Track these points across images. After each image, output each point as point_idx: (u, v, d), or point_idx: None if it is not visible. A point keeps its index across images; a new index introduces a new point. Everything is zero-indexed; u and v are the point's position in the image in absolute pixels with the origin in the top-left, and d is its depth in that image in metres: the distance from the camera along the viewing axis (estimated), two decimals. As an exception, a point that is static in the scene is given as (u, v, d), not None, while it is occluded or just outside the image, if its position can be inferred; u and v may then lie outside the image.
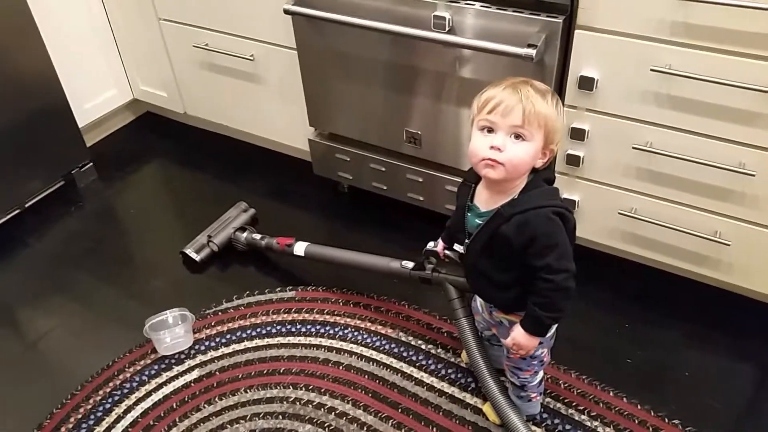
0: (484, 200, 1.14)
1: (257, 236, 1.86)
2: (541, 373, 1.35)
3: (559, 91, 1.50)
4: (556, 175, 1.61)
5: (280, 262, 1.88)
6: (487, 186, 1.14)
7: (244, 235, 1.88)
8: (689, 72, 1.31)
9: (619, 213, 1.57)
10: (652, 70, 1.34)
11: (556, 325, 1.24)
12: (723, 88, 1.29)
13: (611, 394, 1.46)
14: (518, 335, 1.16)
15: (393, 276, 1.59)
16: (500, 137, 1.06)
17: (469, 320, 1.41)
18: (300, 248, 1.73)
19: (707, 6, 1.24)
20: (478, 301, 1.35)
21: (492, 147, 1.06)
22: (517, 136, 1.06)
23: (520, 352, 1.20)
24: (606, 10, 1.35)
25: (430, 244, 1.40)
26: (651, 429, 1.39)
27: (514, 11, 1.42)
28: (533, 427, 1.41)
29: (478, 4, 1.45)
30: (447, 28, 1.49)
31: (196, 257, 1.86)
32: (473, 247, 1.16)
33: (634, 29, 1.34)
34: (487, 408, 1.44)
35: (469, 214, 1.16)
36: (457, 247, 1.23)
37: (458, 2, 1.47)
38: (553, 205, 1.08)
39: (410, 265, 1.53)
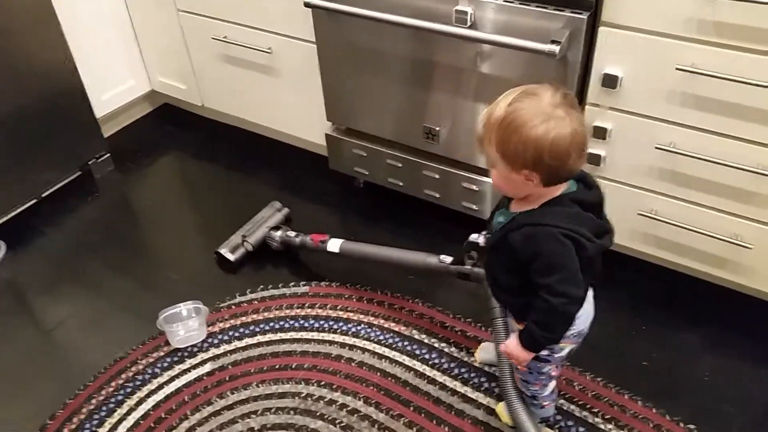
0: (514, 203, 1.10)
1: (292, 234, 1.84)
2: (551, 385, 1.31)
3: (582, 88, 1.47)
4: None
5: (294, 257, 1.87)
6: None
7: (279, 233, 1.86)
8: (715, 71, 1.28)
9: (639, 214, 1.55)
10: (677, 69, 1.32)
11: (570, 347, 1.19)
12: (749, 89, 1.26)
13: (626, 396, 1.44)
14: (511, 344, 1.13)
15: (431, 272, 1.53)
16: (486, 160, 1.04)
17: (504, 322, 1.36)
18: (335, 245, 1.70)
19: (736, 3, 1.21)
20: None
21: None
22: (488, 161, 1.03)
23: (511, 360, 1.16)
24: (631, 6, 1.32)
25: (473, 236, 1.34)
26: (667, 434, 1.37)
27: (537, 7, 1.40)
28: (546, 429, 1.39)
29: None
30: (469, 23, 1.47)
31: (231, 257, 1.85)
32: (490, 243, 1.14)
33: (660, 27, 1.31)
34: (499, 408, 1.42)
35: (498, 212, 1.14)
36: (480, 237, 1.21)
37: (480, -3, 1.45)
38: (569, 229, 1.00)
39: (449, 260, 1.48)
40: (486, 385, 1.49)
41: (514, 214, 1.07)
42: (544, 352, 1.18)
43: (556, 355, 1.19)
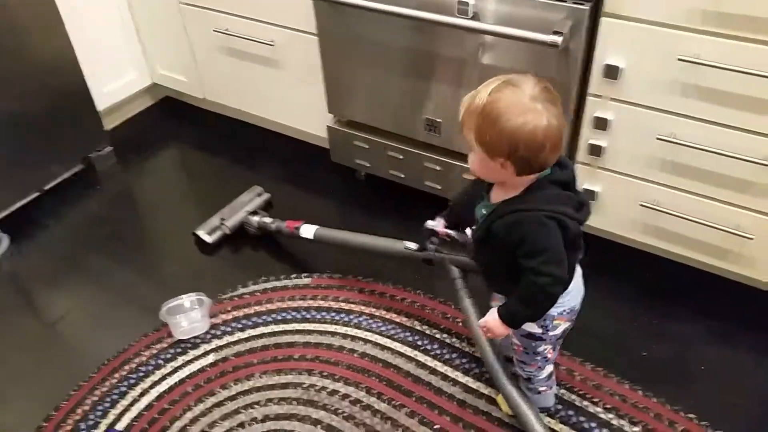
0: (495, 193, 1.12)
1: (268, 220, 1.86)
2: (548, 368, 1.32)
3: (584, 79, 1.47)
4: (577, 165, 1.60)
5: (296, 248, 1.88)
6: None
7: (256, 218, 1.89)
8: (718, 62, 1.28)
9: (641, 204, 1.55)
10: (679, 59, 1.32)
11: (564, 326, 1.21)
12: (752, 79, 1.26)
13: (627, 387, 1.45)
14: (490, 318, 1.15)
15: (397, 257, 1.57)
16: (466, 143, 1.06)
17: (472, 303, 1.40)
18: (308, 231, 1.73)
19: (739, -7, 1.21)
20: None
21: None
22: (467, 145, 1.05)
23: (487, 334, 1.17)
24: (633, -3, 1.32)
25: (429, 223, 1.36)
26: (666, 422, 1.38)
27: (538, -3, 1.40)
28: (547, 419, 1.40)
29: (501, -10, 1.43)
30: (471, 14, 1.47)
31: (209, 239, 1.88)
32: (476, 236, 1.16)
33: (662, 17, 1.31)
34: (500, 399, 1.43)
35: (479, 204, 1.15)
36: (468, 231, 1.22)
37: (481, -12, 1.45)
38: (552, 210, 1.03)
39: (413, 246, 1.51)
40: (487, 375, 1.49)
41: (496, 205, 1.09)
42: (538, 330, 1.20)
43: (550, 333, 1.20)
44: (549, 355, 1.28)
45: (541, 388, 1.35)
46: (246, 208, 1.93)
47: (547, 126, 0.98)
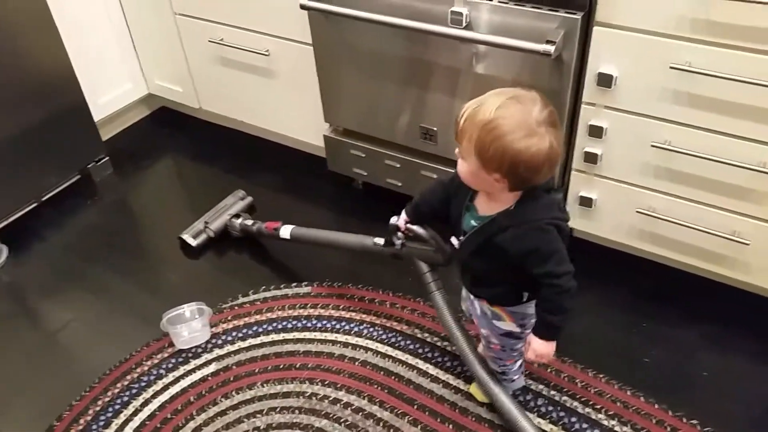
0: (482, 204, 1.14)
1: (249, 222, 1.91)
2: (520, 360, 1.39)
3: (577, 87, 1.49)
4: (573, 172, 1.61)
5: (296, 257, 1.89)
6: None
7: (239, 221, 1.93)
8: (709, 70, 1.30)
9: (637, 211, 1.56)
10: (671, 67, 1.33)
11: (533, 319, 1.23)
12: (744, 86, 1.28)
13: (628, 393, 1.46)
14: (537, 345, 1.17)
15: (367, 253, 1.60)
16: (458, 149, 1.08)
17: (442, 293, 1.45)
18: (286, 231, 1.77)
19: (729, 3, 1.23)
20: (463, 291, 1.37)
21: None
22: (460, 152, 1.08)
23: (542, 360, 1.19)
24: (625, 6, 1.34)
25: (393, 219, 1.39)
26: (669, 428, 1.39)
27: (532, 7, 1.41)
28: (550, 426, 1.41)
29: (495, 0, 1.45)
30: (464, 24, 1.49)
31: (193, 242, 1.91)
32: (466, 246, 1.17)
33: (654, 26, 1.33)
34: (473, 388, 1.47)
35: (467, 214, 1.16)
36: (453, 240, 1.23)
37: (476, -2, 1.47)
38: (549, 217, 1.08)
39: (381, 241, 1.54)
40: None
41: (491, 216, 1.11)
42: (518, 329, 1.25)
43: (527, 331, 1.24)
44: (523, 350, 1.32)
45: (515, 377, 1.42)
46: (229, 211, 1.98)
47: (548, 150, 1.00)
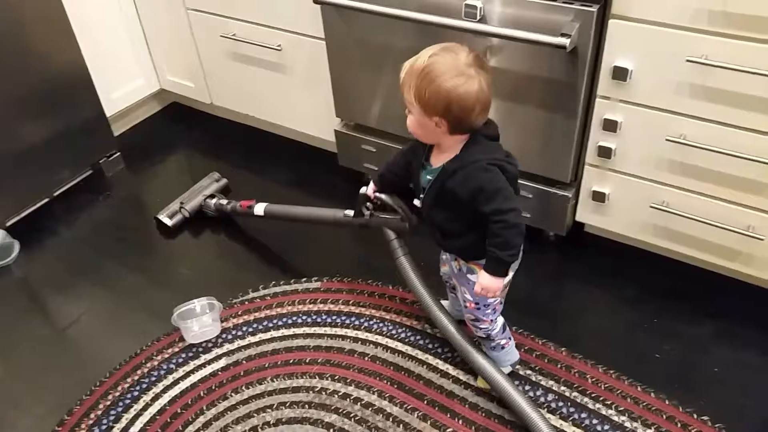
0: (435, 157, 1.22)
1: (224, 202, 1.97)
2: (500, 320, 1.41)
3: (592, 81, 1.48)
4: (587, 166, 1.60)
5: (305, 252, 1.88)
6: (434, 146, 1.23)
7: (213, 201, 1.99)
8: (726, 62, 1.28)
9: (651, 206, 1.55)
10: (687, 60, 1.32)
11: (511, 274, 1.29)
12: (760, 79, 1.26)
13: (639, 389, 1.45)
14: (483, 278, 1.23)
15: (338, 225, 1.66)
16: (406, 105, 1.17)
17: (408, 258, 1.52)
18: (260, 208, 1.82)
19: (746, -6, 1.21)
20: (443, 253, 1.42)
21: None
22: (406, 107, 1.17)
23: (488, 295, 1.25)
24: (641, -1, 1.32)
25: (363, 189, 1.46)
26: (679, 424, 1.37)
27: (547, 0, 1.40)
28: (560, 421, 1.40)
29: (509, -7, 1.44)
30: (478, 17, 1.48)
31: (169, 222, 1.98)
32: (426, 201, 1.25)
33: (670, 18, 1.31)
34: (480, 381, 1.47)
35: (422, 172, 1.24)
36: (416, 201, 1.31)
37: (489, -9, 1.46)
38: (492, 158, 1.16)
39: (351, 213, 1.60)
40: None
41: (442, 166, 1.19)
42: (505, 279, 1.26)
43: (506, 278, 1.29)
44: (497, 307, 1.37)
45: (502, 342, 1.42)
46: (204, 192, 2.04)
47: (478, 89, 1.10)
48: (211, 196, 2.01)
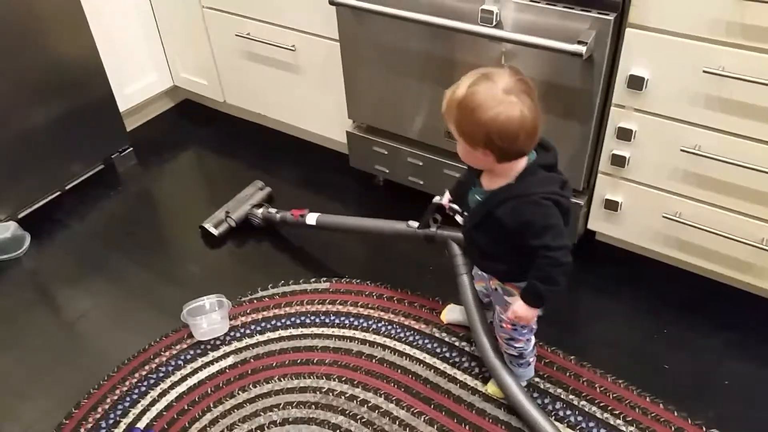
0: (486, 180, 1.19)
1: (273, 210, 1.93)
2: (533, 339, 1.39)
3: (607, 89, 1.47)
4: (600, 175, 1.60)
5: (315, 252, 1.89)
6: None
7: (261, 210, 1.95)
8: (743, 74, 1.28)
9: (664, 216, 1.54)
10: (704, 71, 1.31)
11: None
12: (778, 92, 1.26)
13: (648, 399, 1.44)
14: (518, 307, 1.21)
15: (400, 238, 1.64)
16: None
17: (470, 277, 1.49)
18: (312, 218, 1.79)
19: (764, 5, 1.20)
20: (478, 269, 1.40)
21: None
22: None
23: (520, 322, 1.25)
24: (659, 8, 1.32)
25: (436, 198, 1.43)
26: (688, 437, 1.37)
27: (564, 7, 1.40)
28: (568, 430, 1.40)
29: (527, -1, 1.44)
30: (494, 22, 1.48)
31: (215, 231, 1.94)
32: (470, 221, 1.23)
33: (688, 29, 1.31)
34: (491, 387, 1.47)
35: (472, 190, 1.21)
36: (458, 218, 1.29)
37: (507, -3, 1.45)
38: (547, 191, 1.12)
39: (415, 224, 1.57)
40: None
41: (492, 191, 1.15)
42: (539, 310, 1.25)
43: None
44: (534, 326, 1.35)
45: (530, 359, 1.42)
46: (250, 201, 2.00)
47: (520, 117, 1.04)
48: (258, 206, 1.97)
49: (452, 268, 1.52)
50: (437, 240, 1.53)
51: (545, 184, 1.12)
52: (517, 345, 1.37)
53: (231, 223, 1.95)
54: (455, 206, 1.38)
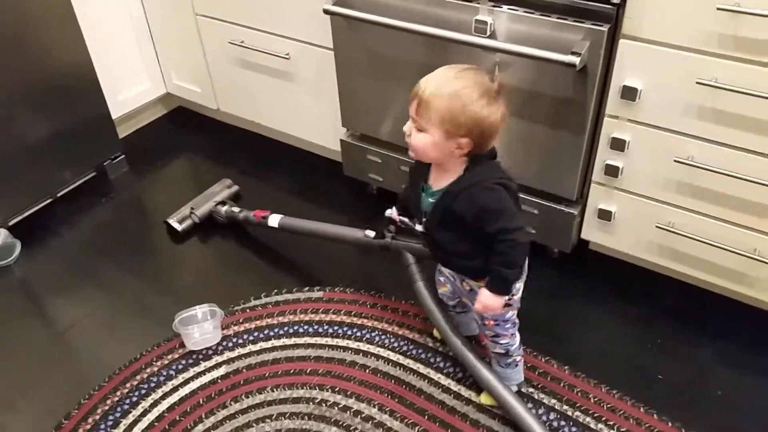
0: (435, 179, 1.21)
1: (236, 209, 1.95)
2: (518, 335, 1.40)
3: (601, 100, 1.48)
4: (593, 185, 1.60)
5: (308, 261, 1.88)
6: (433, 166, 1.22)
7: (225, 208, 1.98)
8: (736, 86, 1.28)
9: (657, 226, 1.55)
10: (697, 82, 1.32)
11: (521, 285, 1.30)
12: (771, 104, 1.27)
13: (642, 410, 1.44)
14: (485, 297, 1.23)
15: (357, 245, 1.66)
16: (408, 123, 1.17)
17: (427, 284, 1.53)
18: (274, 220, 1.80)
19: (757, 18, 1.21)
20: (446, 272, 1.40)
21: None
22: (418, 126, 1.15)
23: (488, 313, 1.27)
24: (652, 20, 1.33)
25: (388, 212, 1.44)
26: (682, 447, 1.37)
27: (557, 18, 1.40)
28: (561, 440, 1.40)
29: (521, 10, 1.44)
30: (488, 33, 1.48)
31: (179, 227, 1.97)
32: (430, 224, 1.25)
33: (681, 41, 1.32)
34: (483, 397, 1.47)
35: (423, 194, 1.24)
36: (417, 226, 1.31)
37: (501, 7, 1.46)
38: (496, 177, 1.16)
39: (372, 234, 1.59)
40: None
41: (444, 189, 1.19)
42: (506, 297, 1.26)
43: (515, 297, 1.31)
44: (516, 319, 1.36)
45: (517, 358, 1.42)
46: (215, 198, 2.02)
47: (501, 120, 1.13)
48: (222, 203, 2.00)
49: (407, 277, 1.56)
50: (391, 249, 1.56)
51: (492, 171, 1.18)
52: (502, 342, 1.37)
53: (195, 219, 1.98)
54: (405, 219, 1.39)
